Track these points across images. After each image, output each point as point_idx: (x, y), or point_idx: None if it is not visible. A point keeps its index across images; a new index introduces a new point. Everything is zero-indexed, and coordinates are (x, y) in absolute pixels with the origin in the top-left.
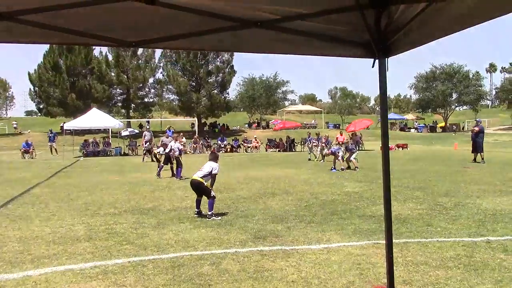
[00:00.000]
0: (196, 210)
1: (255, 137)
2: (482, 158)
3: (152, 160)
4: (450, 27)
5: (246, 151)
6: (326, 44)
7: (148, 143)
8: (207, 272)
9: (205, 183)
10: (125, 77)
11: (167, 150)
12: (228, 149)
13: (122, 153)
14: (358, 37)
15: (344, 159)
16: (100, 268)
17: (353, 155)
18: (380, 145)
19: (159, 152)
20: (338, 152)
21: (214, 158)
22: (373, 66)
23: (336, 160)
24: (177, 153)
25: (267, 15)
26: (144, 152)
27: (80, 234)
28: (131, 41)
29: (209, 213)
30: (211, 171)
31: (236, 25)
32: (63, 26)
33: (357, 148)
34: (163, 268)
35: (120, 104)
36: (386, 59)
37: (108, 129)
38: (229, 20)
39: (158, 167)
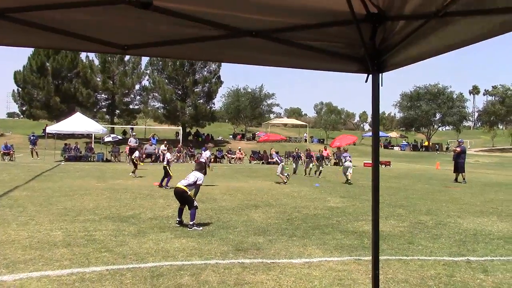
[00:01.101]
0: (178, 219)
1: (239, 149)
2: (464, 178)
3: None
4: (446, 46)
5: (230, 162)
6: (320, 57)
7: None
8: (186, 283)
9: (189, 192)
10: (111, 82)
11: (164, 163)
12: (212, 160)
13: (104, 159)
14: (353, 52)
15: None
16: (78, 276)
17: (349, 169)
18: (364, 161)
19: (135, 156)
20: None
21: (200, 168)
22: (366, 81)
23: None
24: (165, 162)
25: (263, 25)
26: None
27: (58, 239)
28: (124, 45)
29: (191, 223)
30: (196, 181)
31: (231, 33)
32: (53, 26)
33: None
34: (142, 278)
35: (104, 109)
36: (380, 74)
37: (91, 134)
38: (224, 29)
39: (133, 172)
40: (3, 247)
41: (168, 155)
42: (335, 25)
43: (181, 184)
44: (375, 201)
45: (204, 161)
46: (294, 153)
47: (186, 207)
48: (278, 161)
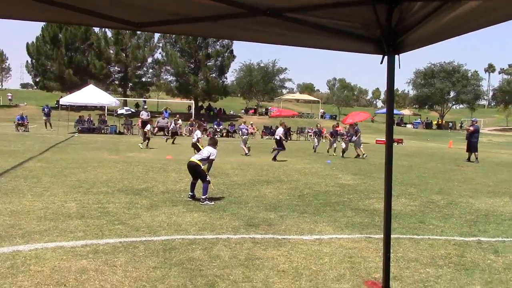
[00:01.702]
0: (190, 193)
1: (251, 123)
2: (476, 158)
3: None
4: (462, 27)
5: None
6: (335, 37)
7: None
8: (198, 257)
9: (202, 167)
10: (124, 55)
11: (194, 140)
12: (224, 134)
13: (117, 131)
14: (368, 33)
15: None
16: (91, 247)
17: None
18: (376, 139)
19: (148, 129)
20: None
21: (213, 143)
22: (381, 63)
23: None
24: (194, 140)
25: (277, 4)
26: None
27: (72, 211)
28: (137, 22)
29: (203, 197)
30: (209, 156)
31: (244, 12)
32: (66, 2)
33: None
34: (155, 250)
35: (117, 82)
36: (396, 56)
37: (104, 106)
38: (238, 7)
39: (145, 142)
40: (18, 218)
41: (198, 133)
42: (351, 5)
43: (195, 158)
44: (388, 190)
45: (196, 140)
46: (316, 129)
47: (199, 181)
48: (244, 132)
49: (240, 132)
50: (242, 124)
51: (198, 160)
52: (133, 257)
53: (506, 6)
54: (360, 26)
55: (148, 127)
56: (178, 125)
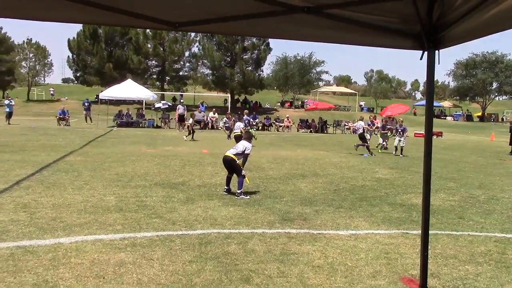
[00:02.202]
0: (226, 187)
1: (287, 117)
2: None
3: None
4: (506, 23)
5: (278, 130)
6: (374, 33)
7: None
8: (233, 251)
9: (237, 161)
10: (161, 49)
11: (236, 131)
12: (260, 127)
13: (155, 125)
14: (408, 28)
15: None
16: (129, 240)
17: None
18: (414, 132)
19: (190, 123)
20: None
21: (248, 138)
22: (421, 58)
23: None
24: (237, 131)
25: (315, 1)
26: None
27: (111, 204)
28: (175, 22)
29: (238, 191)
30: (244, 150)
31: (283, 10)
32: (103, 3)
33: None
34: (191, 244)
35: (155, 76)
36: (436, 51)
37: (142, 100)
38: (276, 5)
39: (190, 135)
40: (60, 211)
41: (240, 124)
42: (390, 0)
43: (230, 152)
44: (426, 189)
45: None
46: (398, 125)
47: (234, 175)
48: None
49: (244, 123)
50: (245, 115)
51: (234, 154)
52: (170, 251)
53: None
54: (399, 21)
55: (190, 120)
56: (214, 119)
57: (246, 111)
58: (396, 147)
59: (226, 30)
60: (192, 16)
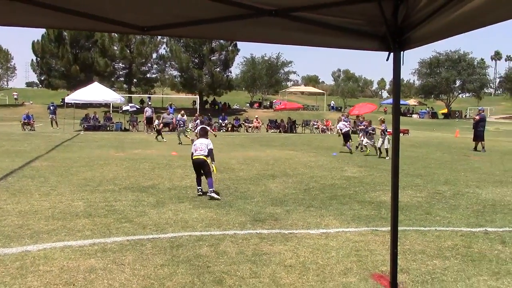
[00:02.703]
0: (199, 188)
1: (256, 117)
2: (483, 147)
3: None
4: (469, 24)
5: (247, 131)
6: (342, 36)
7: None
8: (205, 254)
9: (209, 161)
10: (128, 51)
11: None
12: (229, 128)
13: (123, 128)
14: (374, 30)
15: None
16: (99, 246)
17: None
18: (381, 129)
19: (156, 124)
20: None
21: (205, 133)
22: (387, 59)
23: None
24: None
25: (282, 4)
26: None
27: (80, 210)
28: (143, 26)
29: (211, 189)
30: (208, 146)
31: (250, 13)
32: (70, 8)
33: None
34: (162, 248)
35: (122, 78)
36: (401, 52)
37: (110, 103)
38: (244, 8)
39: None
40: (26, 218)
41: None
42: (356, 2)
43: (201, 154)
44: (394, 192)
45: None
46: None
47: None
48: (181, 124)
49: (178, 124)
50: (179, 115)
51: (205, 156)
52: (141, 255)
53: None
54: (365, 23)
55: (157, 121)
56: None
57: (197, 114)
58: (380, 148)
59: (194, 34)
60: (160, 20)
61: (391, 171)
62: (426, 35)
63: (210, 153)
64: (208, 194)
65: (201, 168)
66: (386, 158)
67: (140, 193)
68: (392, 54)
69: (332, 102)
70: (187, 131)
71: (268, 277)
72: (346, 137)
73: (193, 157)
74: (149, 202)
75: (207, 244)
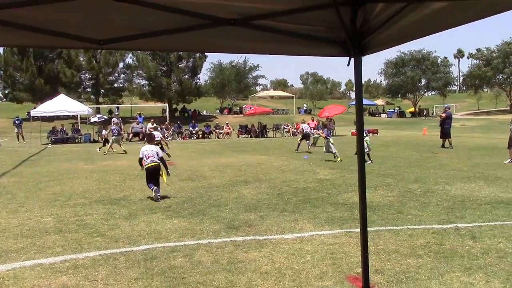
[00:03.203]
0: (158, 194)
1: (227, 123)
2: (450, 144)
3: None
4: (427, 29)
5: (218, 137)
6: (301, 42)
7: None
8: (180, 265)
9: (162, 171)
10: (95, 62)
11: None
12: (200, 136)
13: (92, 140)
14: (335, 36)
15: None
16: (71, 262)
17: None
18: (352, 131)
19: (103, 134)
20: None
21: (151, 139)
22: (348, 65)
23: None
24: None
25: (241, 12)
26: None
27: (49, 226)
28: (99, 40)
29: (159, 195)
30: (159, 154)
31: (209, 23)
32: (23, 23)
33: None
34: (135, 261)
35: (89, 89)
36: (362, 57)
37: (77, 115)
38: (202, 18)
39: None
40: None
41: (159, 134)
42: (315, 9)
43: (155, 161)
44: (362, 198)
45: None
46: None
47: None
48: (115, 133)
49: (112, 132)
50: (113, 125)
51: (157, 161)
52: (114, 270)
53: (469, 9)
54: (325, 30)
55: (104, 132)
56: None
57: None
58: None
59: (153, 46)
60: (116, 32)
61: (358, 177)
62: (385, 40)
63: (162, 161)
64: (158, 198)
65: (155, 174)
66: (338, 160)
67: (111, 205)
68: (352, 59)
69: (305, 105)
70: (122, 141)
71: (244, 285)
72: (306, 137)
73: (147, 166)
74: (121, 215)
75: (182, 254)
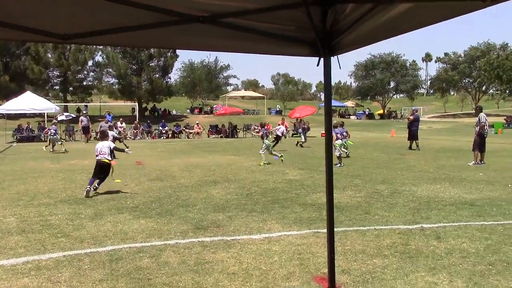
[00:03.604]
0: (95, 186)
1: (197, 123)
2: (417, 146)
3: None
4: (396, 29)
5: (188, 137)
6: (271, 42)
7: (55, 133)
8: (146, 266)
9: (111, 170)
10: (64, 59)
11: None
12: (170, 135)
13: (59, 138)
14: (304, 36)
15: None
16: (33, 264)
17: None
18: (321, 132)
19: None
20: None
21: (105, 136)
22: (318, 65)
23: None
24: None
25: (210, 10)
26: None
27: (12, 226)
28: (63, 34)
29: (99, 186)
30: (111, 146)
31: (177, 20)
32: None
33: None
34: (100, 262)
35: (57, 87)
36: (332, 58)
37: (44, 113)
38: (170, 14)
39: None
40: None
41: (113, 133)
42: (285, 8)
43: (105, 158)
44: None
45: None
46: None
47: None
48: (53, 133)
49: (49, 132)
50: (52, 125)
51: (109, 160)
52: (78, 271)
53: (437, 9)
54: (295, 29)
55: (52, 130)
56: (122, 129)
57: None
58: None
59: (121, 42)
60: (81, 27)
61: (326, 178)
62: (355, 40)
63: (112, 151)
64: (93, 189)
65: (103, 171)
66: (262, 163)
67: (77, 205)
68: (322, 59)
69: (278, 106)
70: (61, 140)
71: (211, 286)
72: (277, 138)
73: (98, 159)
74: (87, 215)
75: (148, 255)
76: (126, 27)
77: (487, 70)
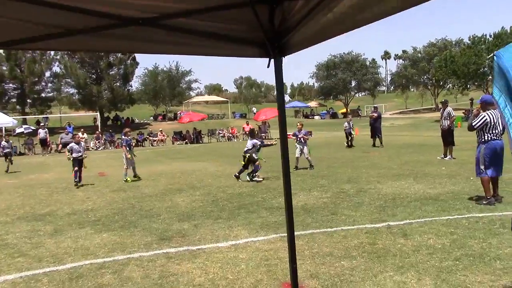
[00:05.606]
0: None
1: (161, 130)
2: (381, 143)
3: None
4: (341, 26)
5: (152, 145)
6: (220, 43)
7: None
8: (108, 282)
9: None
10: (19, 71)
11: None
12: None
13: (18, 152)
14: (254, 36)
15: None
16: None
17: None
18: (288, 133)
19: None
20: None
21: (78, 142)
22: (268, 66)
23: None
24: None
25: (148, 11)
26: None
27: None
28: None
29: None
30: (83, 147)
31: (115, 23)
32: None
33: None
34: (60, 281)
35: (14, 100)
36: (282, 58)
37: (1, 127)
38: (107, 17)
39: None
40: None
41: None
42: (231, 8)
43: (81, 155)
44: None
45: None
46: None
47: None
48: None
49: (2, 148)
50: (4, 141)
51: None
52: None
53: (380, 3)
54: (243, 29)
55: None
56: (84, 139)
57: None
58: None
59: (58, 47)
60: (12, 34)
61: (283, 184)
62: (303, 40)
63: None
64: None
65: (81, 165)
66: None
67: (36, 222)
68: (272, 60)
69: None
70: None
71: None
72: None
73: (76, 157)
74: (46, 231)
75: (110, 271)
76: (63, 32)
77: (442, 67)
